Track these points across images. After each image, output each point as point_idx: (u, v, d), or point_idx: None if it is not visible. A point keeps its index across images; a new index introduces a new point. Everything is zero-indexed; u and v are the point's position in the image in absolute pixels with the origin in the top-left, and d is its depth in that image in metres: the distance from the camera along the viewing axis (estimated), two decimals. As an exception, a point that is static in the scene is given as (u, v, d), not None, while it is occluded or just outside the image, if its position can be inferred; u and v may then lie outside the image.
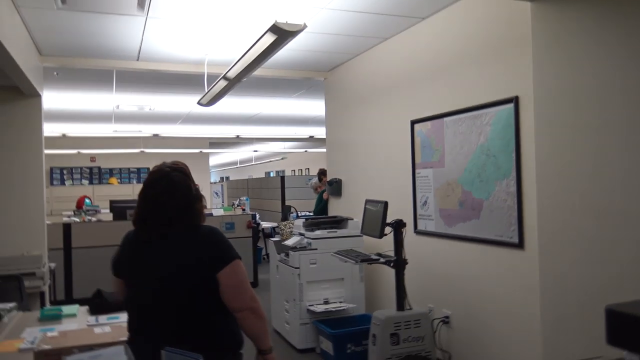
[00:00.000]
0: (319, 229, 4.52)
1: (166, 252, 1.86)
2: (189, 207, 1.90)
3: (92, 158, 12.21)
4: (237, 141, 13.36)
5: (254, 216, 7.69)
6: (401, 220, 3.54)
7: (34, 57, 4.38)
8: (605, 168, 2.28)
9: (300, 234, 4.55)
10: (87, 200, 9.31)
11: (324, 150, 6.08)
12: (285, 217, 8.62)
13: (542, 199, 2.64)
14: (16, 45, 3.42)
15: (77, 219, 7.13)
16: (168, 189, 1.89)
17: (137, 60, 4.90)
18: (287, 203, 10.54)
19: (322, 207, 6.41)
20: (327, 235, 4.45)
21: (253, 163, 19.87)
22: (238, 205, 8.11)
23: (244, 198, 8.43)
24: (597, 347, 2.15)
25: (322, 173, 6.89)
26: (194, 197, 1.93)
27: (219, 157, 20.71)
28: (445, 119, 3.66)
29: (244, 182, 14.96)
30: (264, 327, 1.90)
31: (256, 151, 16.20)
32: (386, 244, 3.67)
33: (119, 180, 12.40)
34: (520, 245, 3.01)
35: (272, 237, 8.26)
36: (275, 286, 4.92)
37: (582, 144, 2.38)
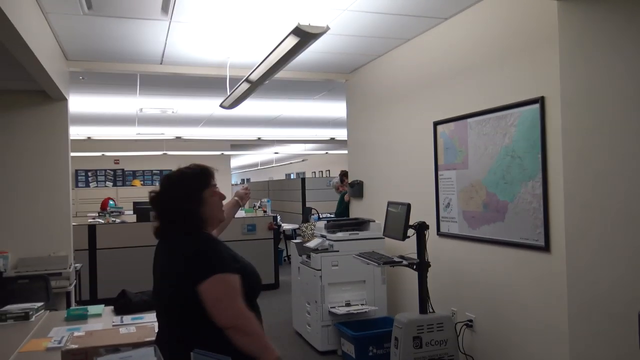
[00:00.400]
0: (340, 231, 4.52)
1: (162, 256, 1.86)
2: (177, 211, 1.83)
3: (116, 160, 12.43)
4: (258, 143, 13.43)
5: (275, 218, 7.72)
6: (424, 223, 3.52)
7: (61, 62, 4.48)
8: (636, 170, 2.23)
9: (322, 236, 4.55)
10: (111, 202, 9.49)
11: (345, 152, 6.07)
12: (306, 219, 8.64)
13: (570, 202, 2.59)
14: (44, 51, 3.50)
15: (101, 221, 7.26)
16: (160, 190, 1.89)
17: (161, 64, 4.97)
18: (307, 205, 10.56)
19: (343, 208, 6.41)
20: (349, 238, 4.45)
21: (274, 165, 19.95)
22: (259, 207, 8.15)
23: (265, 200, 8.46)
24: (628, 353, 2.10)
25: (344, 174, 6.89)
26: (188, 201, 1.84)
27: (240, 159, 20.87)
28: (469, 119, 3.62)
29: (264, 183, 15.04)
30: (254, 344, 1.72)
31: (277, 153, 16.26)
32: (408, 246, 3.64)
33: (142, 182, 12.59)
34: (546, 248, 2.96)
35: (293, 238, 8.28)
36: (297, 288, 4.93)
37: (611, 145, 2.33)
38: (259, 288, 1.95)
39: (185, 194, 1.86)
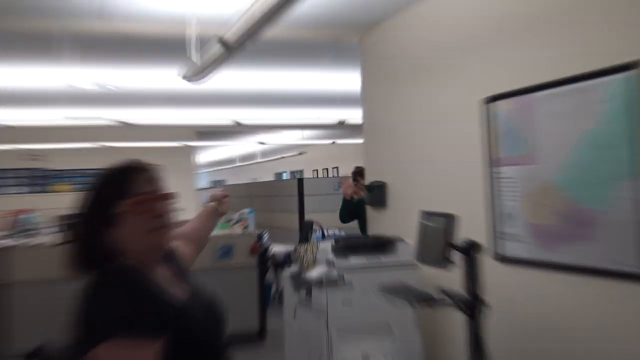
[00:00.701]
0: (355, 255, 4.48)
1: None
2: (86, 232, 1.79)
3: (34, 156, 12.41)
4: (235, 130, 13.45)
5: (260, 237, 7.69)
6: (475, 242, 3.47)
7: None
8: None
9: (329, 263, 4.51)
10: (27, 216, 9.46)
11: (360, 141, 6.07)
12: (305, 238, 8.60)
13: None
14: None
15: (12, 243, 7.23)
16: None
17: (98, 18, 4.94)
18: (307, 217, 10.54)
19: (346, 210, 6.42)
20: (366, 265, 4.41)
21: (259, 160, 20.00)
22: (238, 222, 8.13)
23: (247, 211, 8.44)
24: None
25: (357, 173, 6.89)
26: (87, 220, 1.80)
27: (211, 153, 20.91)
28: (537, 94, 3.61)
29: (245, 187, 15.05)
30: None
31: (263, 144, 16.28)
32: (452, 276, 3.60)
33: (71, 187, 12.57)
34: (657, 279, 2.93)
35: (286, 266, 8.24)
36: (292, 338, 4.91)
37: None
38: (217, 344, 1.89)
39: (87, 208, 1.81)
